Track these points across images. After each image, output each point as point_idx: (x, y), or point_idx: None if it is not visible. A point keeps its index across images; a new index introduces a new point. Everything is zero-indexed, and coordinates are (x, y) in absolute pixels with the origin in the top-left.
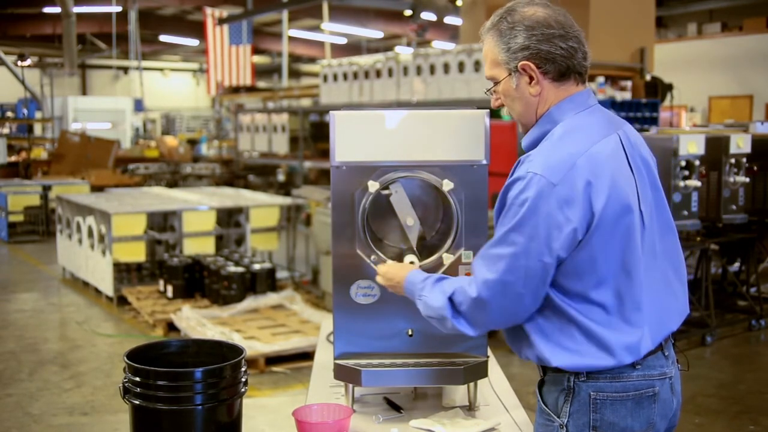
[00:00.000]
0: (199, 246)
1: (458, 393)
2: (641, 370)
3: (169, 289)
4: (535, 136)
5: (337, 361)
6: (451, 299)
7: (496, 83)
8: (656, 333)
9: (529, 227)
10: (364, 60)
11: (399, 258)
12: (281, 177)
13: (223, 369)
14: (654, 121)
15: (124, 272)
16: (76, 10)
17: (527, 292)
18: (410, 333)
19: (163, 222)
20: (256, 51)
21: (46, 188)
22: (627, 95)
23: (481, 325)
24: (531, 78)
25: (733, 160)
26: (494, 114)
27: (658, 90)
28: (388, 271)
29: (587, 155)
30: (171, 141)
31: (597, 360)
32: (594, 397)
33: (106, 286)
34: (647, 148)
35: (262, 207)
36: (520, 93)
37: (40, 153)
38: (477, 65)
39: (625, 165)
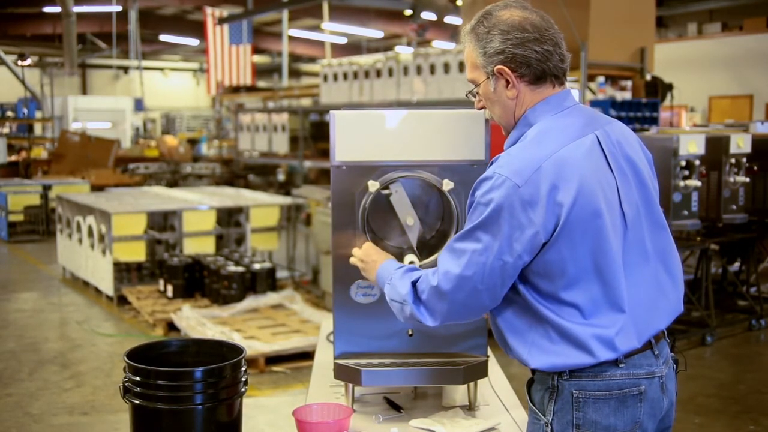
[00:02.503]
0: (199, 245)
1: (458, 393)
2: (625, 368)
3: (169, 288)
4: (513, 138)
5: (337, 361)
6: (414, 285)
7: (476, 86)
8: (642, 331)
9: (492, 226)
10: (365, 60)
11: (399, 258)
12: (281, 177)
13: (223, 369)
14: (654, 121)
15: (124, 272)
16: (77, 9)
17: (485, 288)
18: (410, 333)
19: (163, 222)
20: (256, 51)
21: (47, 188)
22: (627, 95)
23: (439, 316)
24: (507, 82)
25: (733, 160)
26: None
27: (659, 90)
28: (368, 248)
29: (554, 158)
30: (171, 141)
31: (574, 359)
32: (576, 396)
33: (106, 286)
34: (637, 145)
35: (262, 207)
36: (498, 96)
37: (40, 152)
38: None
39: (602, 166)
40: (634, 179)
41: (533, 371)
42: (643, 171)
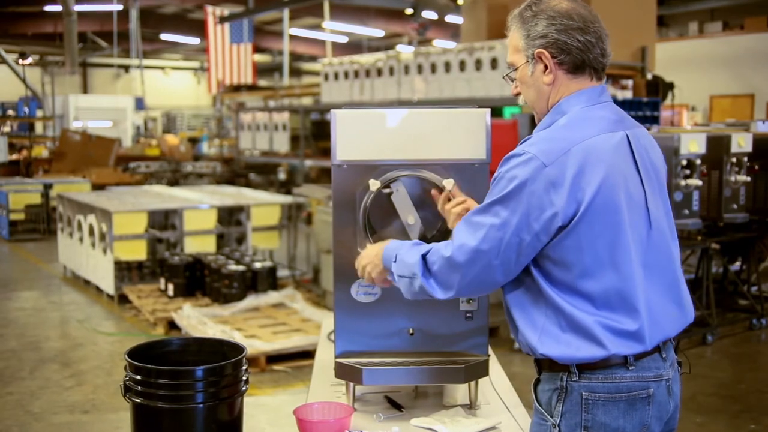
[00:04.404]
0: (200, 244)
1: (459, 392)
2: (635, 371)
3: (170, 287)
4: (544, 125)
5: (338, 360)
6: (424, 258)
7: (515, 69)
8: (653, 335)
9: (513, 202)
10: (365, 58)
11: None
12: (282, 175)
13: (224, 367)
14: (655, 120)
15: (125, 270)
16: (78, 8)
17: (499, 264)
18: (411, 332)
19: (164, 220)
20: (257, 49)
21: (47, 186)
22: (628, 94)
23: (449, 288)
24: (546, 67)
25: (734, 159)
26: (495, 113)
27: (660, 89)
28: (369, 248)
29: (584, 145)
30: (172, 139)
31: (585, 351)
32: (586, 398)
33: (107, 285)
34: (660, 155)
35: (263, 205)
36: (534, 80)
37: (41, 151)
38: (478, 64)
39: (629, 164)
40: (658, 186)
41: (540, 371)
42: (665, 181)
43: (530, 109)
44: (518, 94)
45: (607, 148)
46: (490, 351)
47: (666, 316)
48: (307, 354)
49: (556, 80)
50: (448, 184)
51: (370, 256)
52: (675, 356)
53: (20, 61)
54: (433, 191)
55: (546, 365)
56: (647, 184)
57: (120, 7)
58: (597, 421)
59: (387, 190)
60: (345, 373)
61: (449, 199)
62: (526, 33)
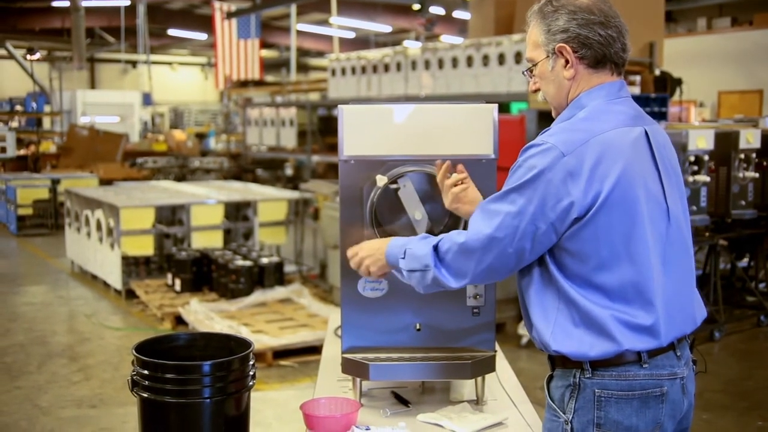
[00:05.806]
0: (207, 240)
1: (466, 387)
2: (649, 369)
3: (177, 282)
4: (563, 118)
5: (345, 355)
6: (436, 248)
7: (534, 65)
8: (669, 331)
9: (530, 190)
10: (373, 54)
11: None
12: (289, 171)
13: (231, 362)
14: (663, 116)
15: (132, 266)
16: (85, 3)
17: (514, 252)
18: (418, 327)
19: (171, 216)
20: (264, 45)
21: (55, 182)
22: (636, 90)
23: (463, 276)
24: (567, 61)
25: (742, 155)
26: (502, 108)
27: (668, 85)
28: (366, 242)
29: (603, 137)
30: (179, 135)
31: (598, 348)
32: (599, 395)
33: (115, 280)
34: (675, 153)
35: (270, 201)
36: (554, 75)
37: (49, 146)
38: (485, 59)
39: (647, 159)
40: (675, 183)
41: (553, 367)
42: (681, 180)
43: (541, 105)
44: (537, 90)
45: (626, 141)
46: (497, 347)
47: (682, 312)
48: (314, 349)
49: (576, 75)
50: (460, 174)
51: (371, 249)
52: (690, 354)
53: (28, 57)
54: (437, 161)
55: (559, 362)
56: (665, 179)
57: (127, 3)
58: (610, 419)
59: (394, 186)
60: (352, 368)
61: (450, 174)
62: (547, 28)
